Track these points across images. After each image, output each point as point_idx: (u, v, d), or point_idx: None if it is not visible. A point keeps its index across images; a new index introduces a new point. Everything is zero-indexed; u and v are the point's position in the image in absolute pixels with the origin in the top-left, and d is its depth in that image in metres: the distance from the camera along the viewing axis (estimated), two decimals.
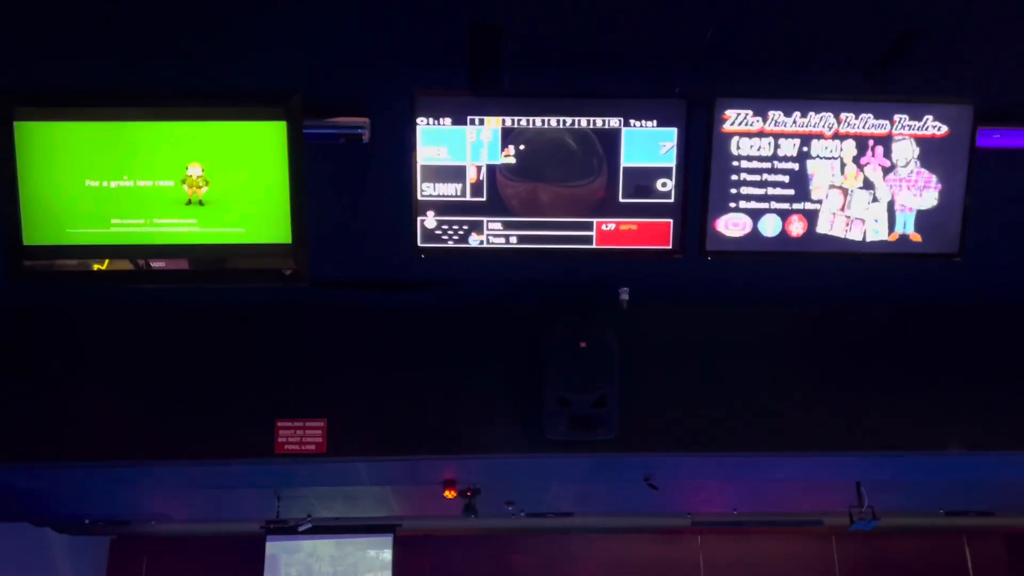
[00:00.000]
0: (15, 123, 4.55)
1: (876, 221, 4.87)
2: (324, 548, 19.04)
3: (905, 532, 19.11)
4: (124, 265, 4.86)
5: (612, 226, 4.81)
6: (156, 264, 4.85)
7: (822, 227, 4.87)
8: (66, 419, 7.46)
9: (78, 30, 4.34)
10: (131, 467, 8.14)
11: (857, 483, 11.39)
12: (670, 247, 4.88)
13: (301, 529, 14.51)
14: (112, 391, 7.63)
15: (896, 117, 4.71)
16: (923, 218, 4.88)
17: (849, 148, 4.75)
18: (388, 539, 19.05)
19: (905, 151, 4.76)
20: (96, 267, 4.85)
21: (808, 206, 4.82)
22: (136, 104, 4.61)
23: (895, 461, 8.46)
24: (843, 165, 4.77)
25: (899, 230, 4.88)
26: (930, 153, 4.77)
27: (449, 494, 11.38)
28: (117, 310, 7.70)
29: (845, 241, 4.89)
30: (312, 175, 4.73)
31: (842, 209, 4.84)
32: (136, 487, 10.54)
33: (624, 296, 7.23)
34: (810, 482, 11.76)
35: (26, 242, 4.76)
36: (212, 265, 4.85)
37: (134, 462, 7.78)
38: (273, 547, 18.73)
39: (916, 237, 4.90)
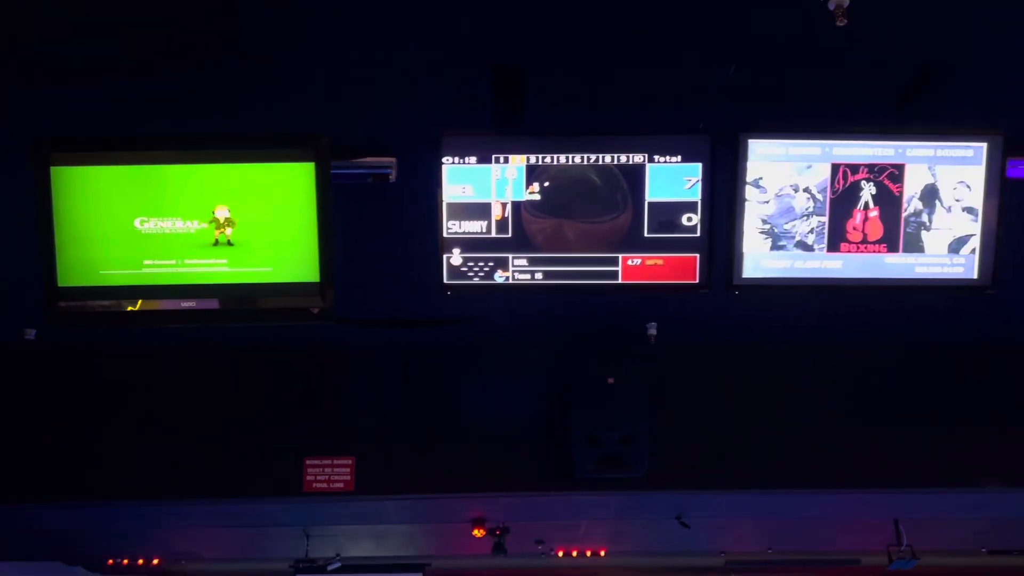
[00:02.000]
0: (51, 168, 4.67)
1: (907, 253, 4.81)
2: None
3: (946, 572, 18.57)
4: (155, 305, 4.92)
5: (638, 261, 4.80)
6: (186, 304, 4.91)
7: (851, 259, 4.81)
8: (96, 459, 7.55)
9: (109, 75, 4.46)
10: (160, 506, 8.22)
11: (895, 521, 11.11)
12: (696, 282, 4.85)
13: (330, 568, 14.41)
14: (142, 430, 7.71)
15: (922, 149, 4.68)
16: (954, 248, 4.81)
17: (875, 180, 4.71)
18: None
19: (934, 182, 4.71)
20: (129, 308, 4.92)
21: (836, 238, 4.78)
22: (167, 148, 4.71)
23: (932, 498, 8.25)
24: (870, 197, 4.74)
25: (930, 262, 4.82)
26: (961, 184, 4.72)
27: (478, 533, 11.27)
28: (147, 349, 7.81)
29: (877, 273, 4.82)
30: (339, 214, 4.79)
31: (871, 240, 4.79)
32: (166, 527, 10.58)
33: (652, 331, 7.19)
34: (846, 520, 11.51)
35: (61, 284, 4.85)
36: (241, 304, 4.90)
37: (164, 501, 7.85)
38: None
39: (947, 269, 4.83)
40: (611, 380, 7.20)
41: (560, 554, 14.97)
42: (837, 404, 7.59)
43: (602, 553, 15.32)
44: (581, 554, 15.47)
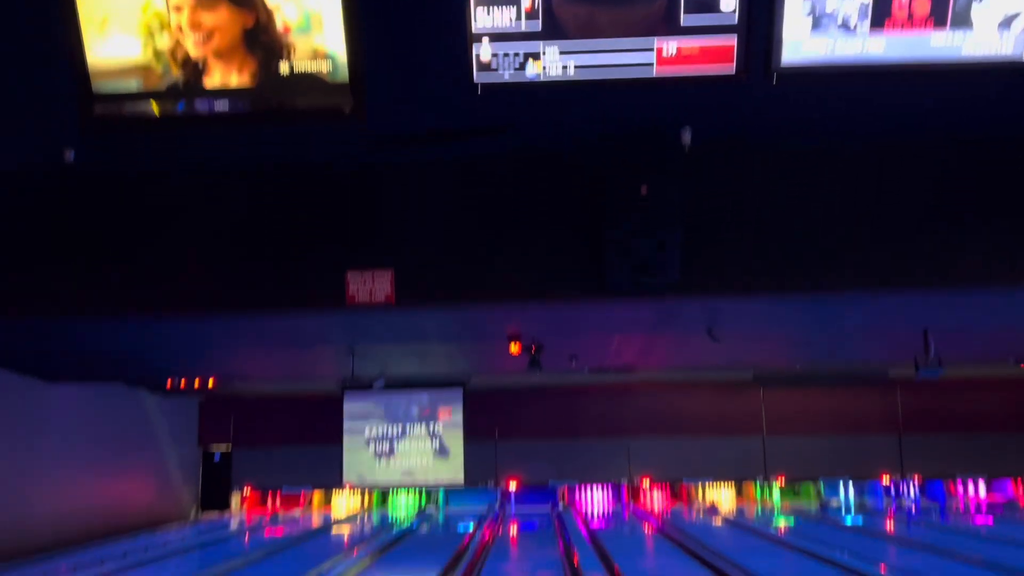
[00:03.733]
0: None
1: (954, 30, 4.58)
2: (398, 403, 20.02)
3: (972, 384, 19.05)
4: (189, 109, 4.95)
5: (673, 50, 4.67)
6: (219, 106, 4.93)
7: (894, 40, 4.61)
8: (144, 276, 7.81)
9: None
10: (209, 321, 8.57)
11: (924, 331, 11.28)
12: (733, 71, 4.73)
13: (375, 386, 15.17)
14: (186, 250, 7.93)
15: None
16: (1005, 25, 4.57)
17: None
18: (458, 393, 19.89)
19: None
20: (162, 113, 4.96)
21: (880, 16, 4.56)
22: None
23: (964, 300, 8.30)
24: None
25: (979, 40, 4.61)
26: None
27: (514, 348, 11.62)
28: (187, 171, 7.92)
29: (921, 55, 4.63)
30: (366, 13, 4.69)
31: (917, 17, 4.57)
32: (217, 345, 11.07)
33: (686, 137, 7.07)
34: (875, 333, 11.70)
35: (95, 89, 4.87)
36: (273, 104, 4.91)
37: (211, 314, 8.17)
38: (351, 404, 19.78)
39: (997, 48, 4.63)
40: (644, 188, 7.17)
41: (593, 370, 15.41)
42: (872, 205, 7.49)
43: (634, 369, 15.87)
44: (613, 370, 16.03)
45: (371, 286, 7.94)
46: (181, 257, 7.89)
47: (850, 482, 20.17)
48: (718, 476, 19.96)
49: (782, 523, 15.52)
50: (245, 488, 20.09)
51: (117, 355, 11.88)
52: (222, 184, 7.97)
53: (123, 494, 16.04)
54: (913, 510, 17.44)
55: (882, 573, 9.84)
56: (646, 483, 20.05)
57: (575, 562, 11.02)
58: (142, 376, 15.07)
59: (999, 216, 7.37)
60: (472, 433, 19.60)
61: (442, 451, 19.74)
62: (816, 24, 4.50)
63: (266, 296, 7.83)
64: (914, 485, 20.02)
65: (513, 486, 20.08)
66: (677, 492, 20.24)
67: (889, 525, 14.91)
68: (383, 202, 7.97)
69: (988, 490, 20.02)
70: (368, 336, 11.03)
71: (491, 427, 19.74)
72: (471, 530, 15.44)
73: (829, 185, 7.55)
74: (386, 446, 19.84)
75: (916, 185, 7.46)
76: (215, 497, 19.73)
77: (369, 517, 18.91)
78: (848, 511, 17.98)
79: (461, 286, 7.88)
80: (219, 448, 20.01)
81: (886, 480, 19.97)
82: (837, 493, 20.25)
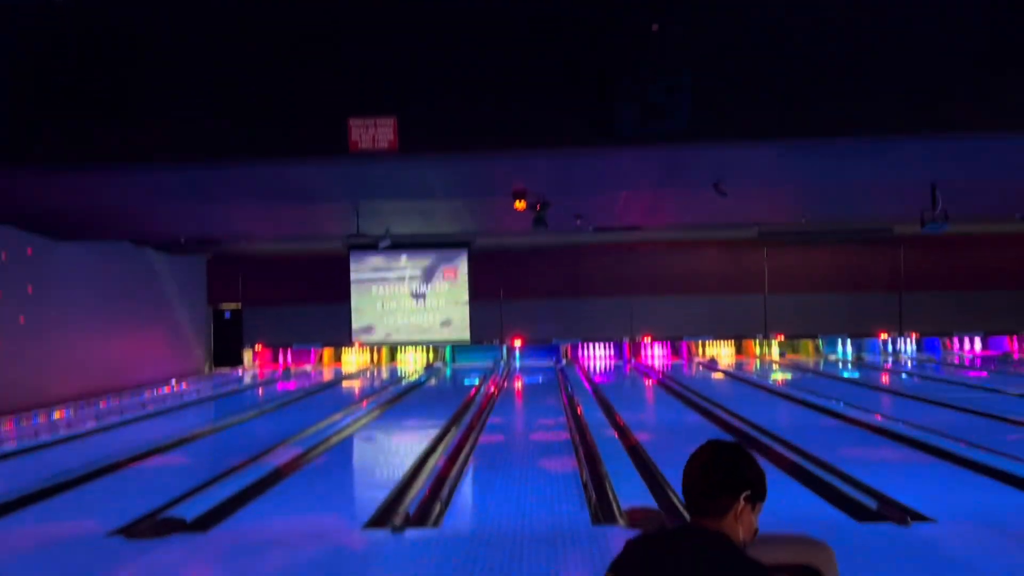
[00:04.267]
0: None
1: None
2: (404, 263, 20.22)
3: (974, 241, 19.11)
4: None
5: None
6: None
7: None
8: (137, 119, 7.57)
9: None
10: (207, 167, 8.43)
11: (932, 185, 11.19)
12: None
13: (381, 245, 15.20)
14: (179, 90, 7.67)
15: None
16: None
17: None
18: (463, 253, 20.07)
19: None
20: None
21: None
22: None
23: (970, 145, 8.16)
24: None
25: None
26: None
27: (519, 205, 11.55)
28: (184, 11, 7.62)
29: None
30: None
31: None
32: (218, 198, 10.99)
33: None
34: (883, 188, 11.61)
35: None
36: None
37: (209, 161, 8.03)
38: (357, 263, 19.98)
39: None
40: (655, 26, 6.93)
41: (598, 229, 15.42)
42: (881, 46, 7.22)
43: (639, 228, 15.88)
44: (618, 229, 16.06)
45: (374, 132, 7.79)
46: (174, 103, 7.67)
47: (848, 339, 20.62)
48: (719, 334, 20.37)
49: (780, 376, 15.94)
50: (256, 345, 20.60)
51: (118, 212, 11.87)
52: (215, 26, 7.68)
53: (137, 349, 16.45)
54: (909, 364, 17.86)
55: (877, 420, 10.17)
56: (648, 340, 20.49)
57: (578, 412, 11.39)
58: (148, 235, 15.12)
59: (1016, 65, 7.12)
60: (477, 293, 19.89)
61: (448, 309, 20.08)
62: None
63: (264, 143, 7.68)
64: (911, 341, 20.46)
65: (518, 344, 20.54)
66: (677, 349, 20.70)
67: (885, 378, 15.31)
68: (381, 45, 7.70)
69: (984, 347, 20.46)
70: (371, 190, 10.95)
71: (496, 287, 20.00)
72: (477, 384, 15.92)
73: (838, 18, 7.25)
74: (393, 304, 20.16)
75: (924, 24, 7.17)
76: (227, 354, 20.27)
77: (378, 372, 19.48)
78: (845, 366, 18.43)
79: (466, 134, 7.73)
80: (229, 307, 20.38)
81: (884, 337, 20.38)
82: (835, 349, 20.74)
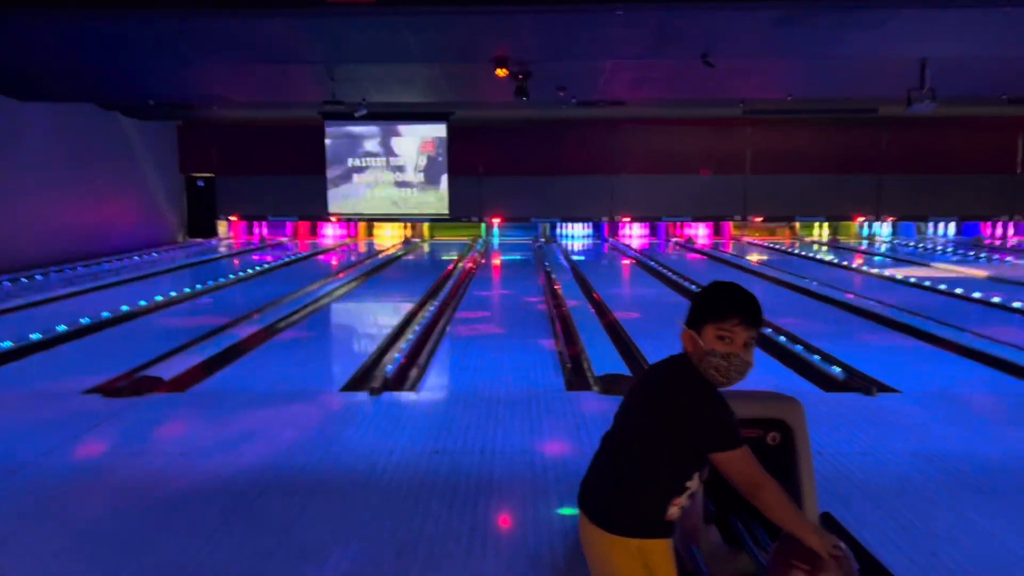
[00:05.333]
0: None
1: None
2: (381, 135, 19.77)
3: (960, 123, 18.97)
4: None
5: None
6: None
7: None
8: None
9: None
10: (175, 17, 8.04)
11: (922, 62, 10.97)
12: None
13: (357, 115, 14.79)
14: None
15: None
16: None
17: None
18: (442, 127, 19.64)
19: None
20: None
21: None
22: None
23: (965, 16, 7.93)
24: None
25: None
26: None
27: (500, 72, 11.18)
28: None
29: None
30: None
31: None
32: (190, 60, 10.57)
33: None
34: (872, 64, 11.37)
35: None
36: None
37: (181, 12, 7.67)
38: (333, 133, 19.51)
39: None
40: None
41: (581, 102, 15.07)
42: None
43: (623, 103, 15.53)
44: (602, 103, 15.71)
45: None
46: None
47: (825, 222, 20.74)
48: (697, 214, 20.36)
49: (756, 257, 16.06)
50: (231, 216, 20.34)
51: (83, 68, 11.37)
52: None
53: (108, 215, 16.19)
54: (883, 248, 18.04)
55: (848, 299, 10.32)
56: (627, 220, 20.47)
57: (556, 288, 11.44)
58: (115, 96, 14.58)
59: None
60: (457, 168, 19.59)
61: (427, 184, 19.81)
62: None
63: None
64: (887, 224, 20.62)
65: (497, 222, 20.44)
66: (656, 229, 20.73)
67: (859, 260, 15.47)
68: None
69: (958, 231, 20.69)
70: (347, 52, 10.53)
71: (475, 163, 19.70)
72: (455, 259, 15.91)
73: None
74: (370, 177, 19.86)
75: None
76: (201, 224, 20.02)
77: (356, 246, 19.39)
78: (821, 247, 18.58)
79: None
80: (202, 176, 19.98)
81: (861, 220, 20.50)
82: (812, 231, 20.89)
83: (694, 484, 1.98)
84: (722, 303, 2.05)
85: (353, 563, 3.20)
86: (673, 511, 1.96)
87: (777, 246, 18.42)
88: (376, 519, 3.62)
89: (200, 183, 19.92)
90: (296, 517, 3.65)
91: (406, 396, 5.79)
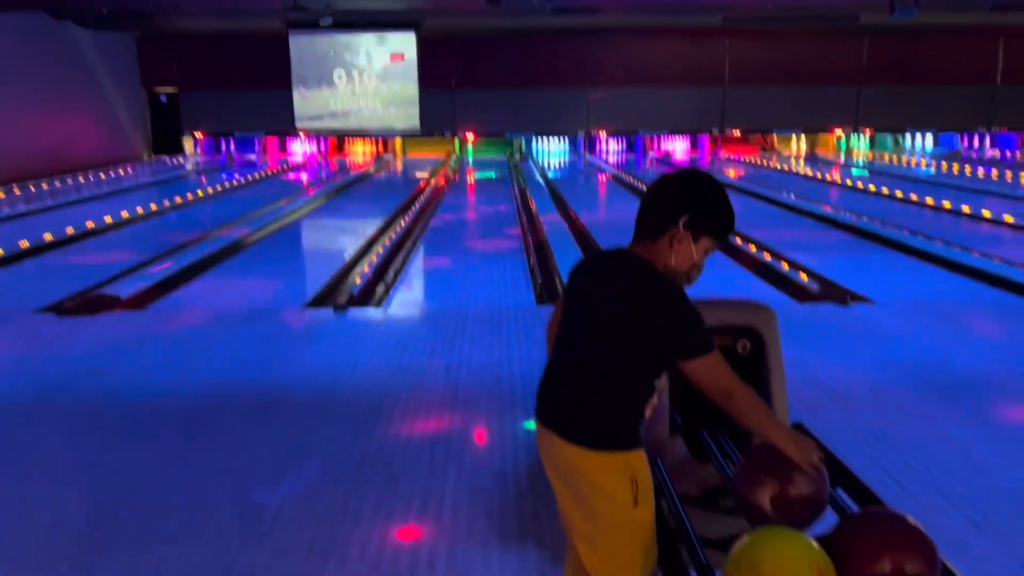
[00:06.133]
0: None
1: None
2: (348, 45, 19.02)
3: (940, 33, 18.56)
4: None
5: None
6: None
7: None
8: None
9: None
10: None
11: None
12: None
13: (322, 23, 14.24)
14: None
15: None
16: None
17: None
18: (411, 36, 18.91)
19: None
20: None
21: None
22: None
23: None
24: None
25: None
26: None
27: None
28: None
29: None
30: None
31: None
32: None
33: None
34: None
35: None
36: None
37: None
38: (297, 44, 18.73)
39: None
40: None
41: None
42: None
43: (599, 9, 15.04)
44: (582, 11, 15.19)
45: None
46: None
47: (803, 134, 20.49)
48: (675, 128, 20.02)
49: (733, 171, 15.87)
50: (196, 132, 19.73)
51: None
52: None
53: (67, 133, 15.61)
54: (862, 161, 17.89)
55: (825, 211, 10.21)
56: (603, 135, 20.10)
57: (530, 204, 11.23)
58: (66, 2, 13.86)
59: None
60: (427, 80, 18.97)
61: (397, 98, 19.25)
62: None
63: None
64: (865, 136, 20.43)
65: (471, 137, 20.00)
66: (633, 144, 20.40)
67: (837, 173, 15.34)
68: None
69: (935, 143, 20.55)
70: None
71: (447, 75, 19.09)
72: (428, 176, 15.58)
73: None
74: (338, 90, 19.26)
75: None
76: (166, 141, 19.41)
77: (326, 163, 18.94)
78: (799, 158, 18.41)
79: None
80: (165, 90, 19.25)
81: (838, 133, 20.28)
82: (791, 143, 20.67)
83: (662, 382, 1.85)
84: (731, 222, 1.86)
85: (311, 479, 3.10)
86: (647, 413, 1.84)
87: (755, 159, 18.22)
88: (336, 435, 3.51)
89: (163, 98, 19.21)
90: (254, 434, 3.54)
91: (372, 312, 5.65)
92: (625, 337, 1.79)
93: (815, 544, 1.57)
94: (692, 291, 1.89)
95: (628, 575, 1.81)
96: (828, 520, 1.75)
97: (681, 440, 2.45)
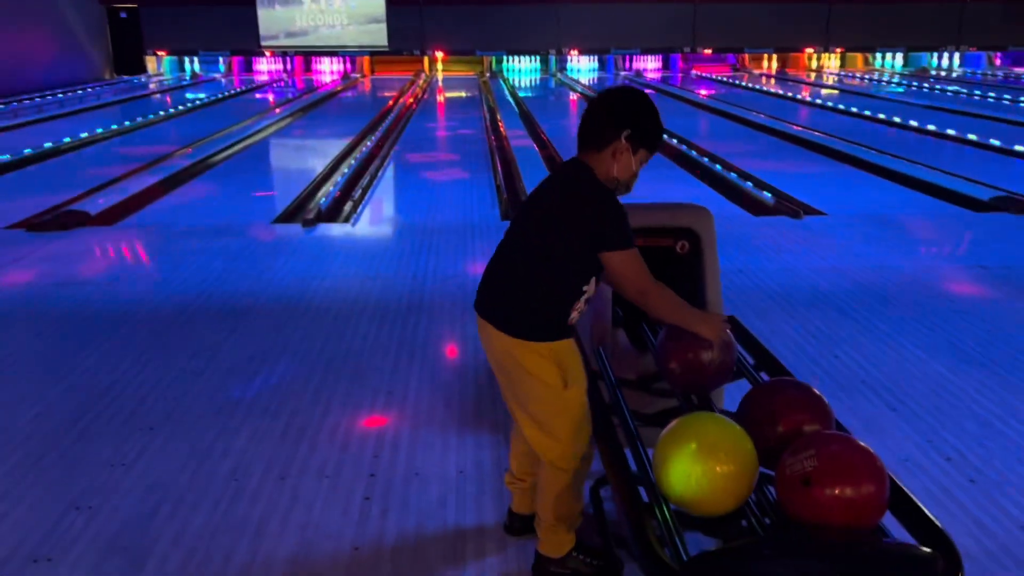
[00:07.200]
0: None
1: None
2: None
3: None
4: None
5: None
6: None
7: None
8: None
9: None
10: None
11: None
12: None
13: None
14: None
15: None
16: None
17: None
18: None
19: None
20: None
21: None
22: None
23: None
24: None
25: None
26: None
27: None
28: None
29: None
30: None
31: None
32: None
33: None
34: None
35: None
36: None
37: None
38: None
39: None
40: None
41: None
42: None
43: None
44: None
45: None
46: None
47: (774, 53, 20.45)
48: (646, 46, 19.88)
49: (704, 90, 15.88)
50: (159, 51, 19.28)
51: None
52: None
53: (21, 49, 15.18)
54: (831, 81, 17.95)
55: (792, 129, 10.35)
56: (574, 53, 19.91)
57: (499, 123, 11.23)
58: None
59: None
60: None
61: (363, 15, 18.87)
62: None
63: None
64: (835, 57, 20.44)
65: (440, 56, 19.73)
66: (604, 63, 20.25)
67: (807, 92, 15.41)
68: None
69: (905, 63, 20.62)
70: None
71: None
72: (396, 95, 15.44)
73: None
74: (304, 8, 18.82)
75: None
76: (128, 59, 18.96)
77: (292, 82, 18.64)
78: (771, 77, 18.43)
79: None
80: (124, 6, 18.71)
81: (809, 52, 20.26)
82: (762, 62, 20.64)
83: (591, 289, 2.03)
84: (661, 133, 2.02)
85: (282, 377, 3.28)
86: (574, 316, 2.02)
87: (725, 78, 18.20)
88: (307, 337, 3.69)
89: (123, 15, 18.68)
90: (226, 338, 3.70)
91: (340, 228, 5.77)
92: (557, 235, 1.97)
93: (736, 425, 1.75)
94: (644, 200, 2.05)
95: (563, 447, 2.03)
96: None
97: (623, 331, 2.66)
